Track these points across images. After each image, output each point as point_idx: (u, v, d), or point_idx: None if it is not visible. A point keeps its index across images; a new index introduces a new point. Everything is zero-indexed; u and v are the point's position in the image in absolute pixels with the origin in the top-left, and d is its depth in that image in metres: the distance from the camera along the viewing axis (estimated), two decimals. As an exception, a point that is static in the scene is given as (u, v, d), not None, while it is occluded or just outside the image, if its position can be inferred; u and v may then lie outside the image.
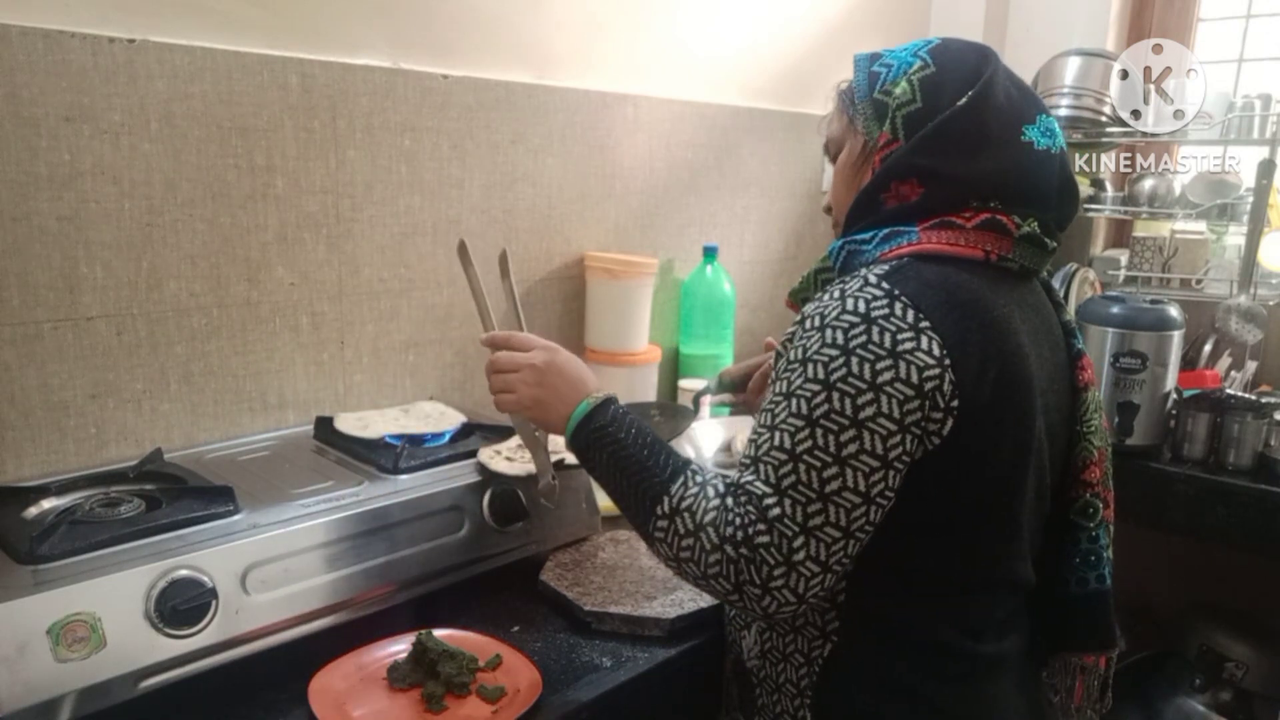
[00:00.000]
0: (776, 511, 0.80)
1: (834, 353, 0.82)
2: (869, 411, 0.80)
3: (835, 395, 0.81)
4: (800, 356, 0.84)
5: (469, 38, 1.49)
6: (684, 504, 0.85)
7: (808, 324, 0.86)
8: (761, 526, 0.80)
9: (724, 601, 0.85)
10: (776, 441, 0.82)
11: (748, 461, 0.84)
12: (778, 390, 0.85)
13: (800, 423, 0.82)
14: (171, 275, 1.22)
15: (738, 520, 0.82)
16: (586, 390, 0.98)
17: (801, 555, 0.80)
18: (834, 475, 0.80)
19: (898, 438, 0.81)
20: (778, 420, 0.83)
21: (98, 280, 1.16)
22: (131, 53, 1.14)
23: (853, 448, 0.80)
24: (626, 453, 0.90)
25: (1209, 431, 1.79)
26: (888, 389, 0.80)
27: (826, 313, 0.84)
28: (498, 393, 1.04)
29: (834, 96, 1.02)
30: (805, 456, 0.81)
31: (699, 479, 0.86)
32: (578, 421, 0.95)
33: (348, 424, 1.31)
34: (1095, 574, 1.02)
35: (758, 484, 0.82)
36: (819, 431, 0.81)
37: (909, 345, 0.81)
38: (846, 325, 0.83)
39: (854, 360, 0.81)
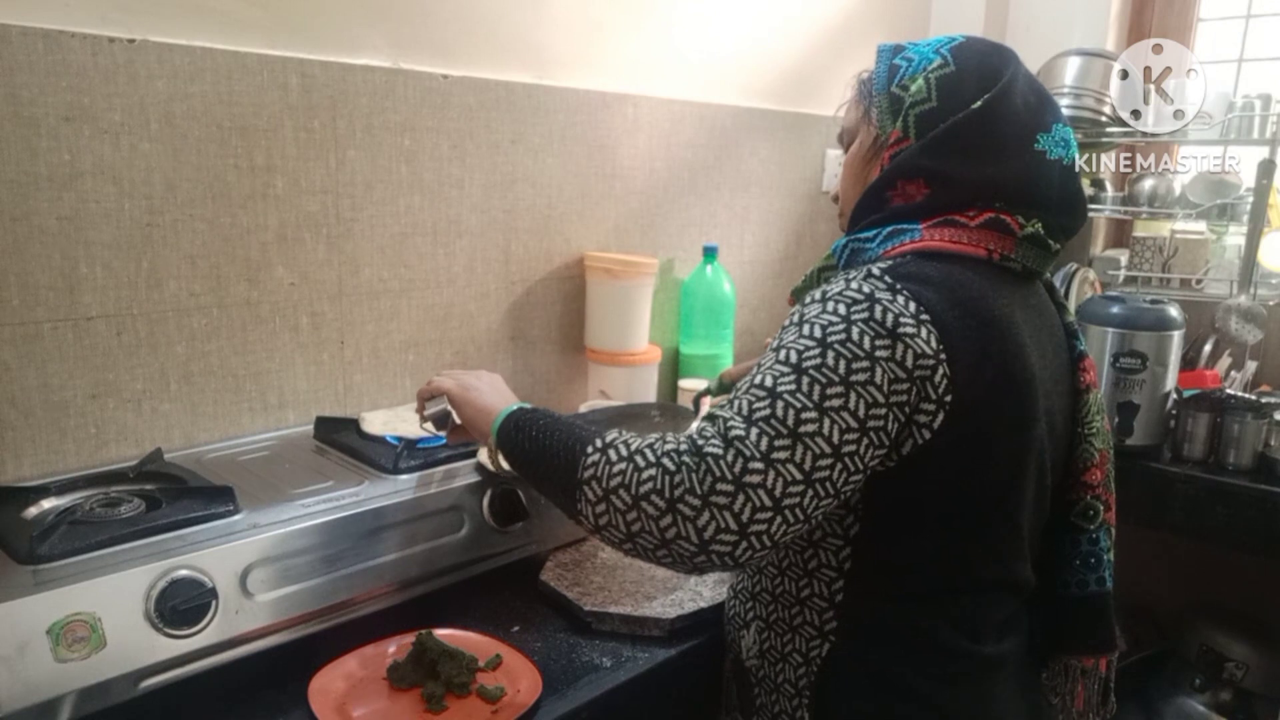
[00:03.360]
0: (739, 433, 0.77)
1: (834, 319, 0.81)
2: (860, 377, 0.79)
3: (830, 354, 0.80)
4: (796, 320, 0.84)
5: (469, 38, 1.49)
6: (618, 439, 0.82)
7: (808, 299, 0.86)
8: (716, 442, 0.77)
9: (650, 545, 0.78)
10: (758, 381, 0.81)
11: (724, 405, 0.83)
12: (771, 349, 0.84)
13: (787, 369, 0.80)
14: (171, 275, 1.22)
15: (688, 439, 0.78)
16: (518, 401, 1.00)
17: (755, 480, 0.75)
18: (811, 419, 0.78)
19: (881, 410, 0.80)
20: (764, 368, 0.82)
21: (98, 280, 1.16)
22: (131, 53, 1.14)
23: (836, 402, 0.78)
24: (560, 422, 0.90)
25: (1209, 431, 1.79)
26: (882, 363, 0.80)
27: (829, 291, 0.84)
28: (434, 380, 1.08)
29: (854, 84, 1.02)
30: (785, 396, 0.78)
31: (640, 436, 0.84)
32: (518, 405, 0.97)
33: (374, 425, 1.31)
34: (1095, 576, 1.02)
35: (725, 412, 0.80)
36: (805, 379, 0.79)
37: (909, 330, 0.81)
38: (849, 300, 0.82)
39: (854, 329, 0.80)
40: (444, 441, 1.28)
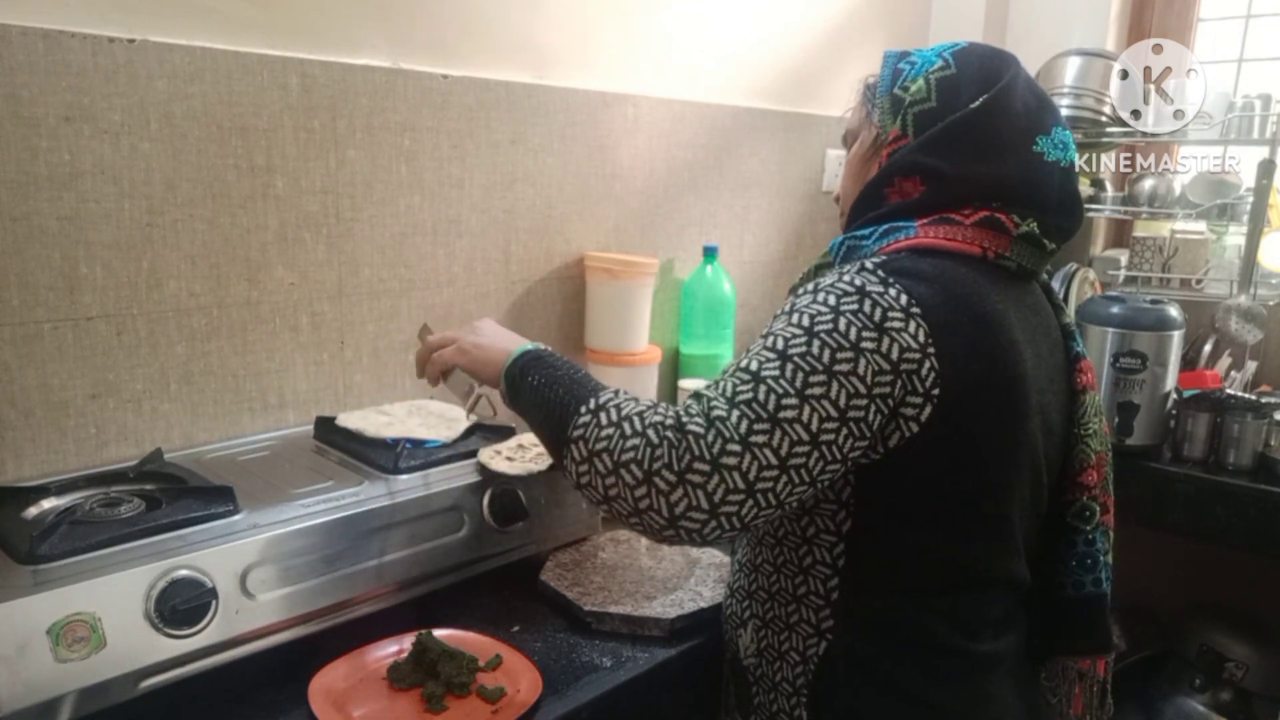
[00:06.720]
0: (721, 414, 0.79)
1: (823, 309, 0.83)
2: (844, 367, 0.80)
3: (816, 343, 0.81)
4: (787, 310, 0.86)
5: (469, 38, 1.49)
6: (612, 402, 0.84)
7: (801, 290, 0.87)
8: (699, 420, 0.79)
9: (624, 511, 0.81)
10: (743, 365, 0.83)
11: (710, 384, 0.84)
12: (760, 336, 0.86)
13: (773, 355, 0.82)
14: (171, 275, 1.22)
15: (673, 414, 0.81)
16: (525, 342, 0.99)
17: (732, 461, 0.77)
18: (791, 405, 0.79)
19: (863, 401, 0.80)
20: (751, 353, 0.84)
21: (98, 280, 1.16)
22: (131, 53, 1.14)
23: (818, 390, 0.80)
24: (561, 373, 0.91)
25: (1209, 431, 1.79)
26: (866, 355, 0.81)
27: (822, 283, 0.86)
28: (436, 349, 1.05)
29: (860, 89, 1.03)
30: (769, 380, 0.80)
31: (635, 396, 0.86)
32: (522, 350, 0.96)
33: (372, 424, 1.30)
34: (1091, 578, 1.02)
35: (710, 392, 0.82)
36: (789, 366, 0.80)
37: (896, 325, 0.82)
38: (840, 293, 0.84)
39: (841, 320, 0.82)
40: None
